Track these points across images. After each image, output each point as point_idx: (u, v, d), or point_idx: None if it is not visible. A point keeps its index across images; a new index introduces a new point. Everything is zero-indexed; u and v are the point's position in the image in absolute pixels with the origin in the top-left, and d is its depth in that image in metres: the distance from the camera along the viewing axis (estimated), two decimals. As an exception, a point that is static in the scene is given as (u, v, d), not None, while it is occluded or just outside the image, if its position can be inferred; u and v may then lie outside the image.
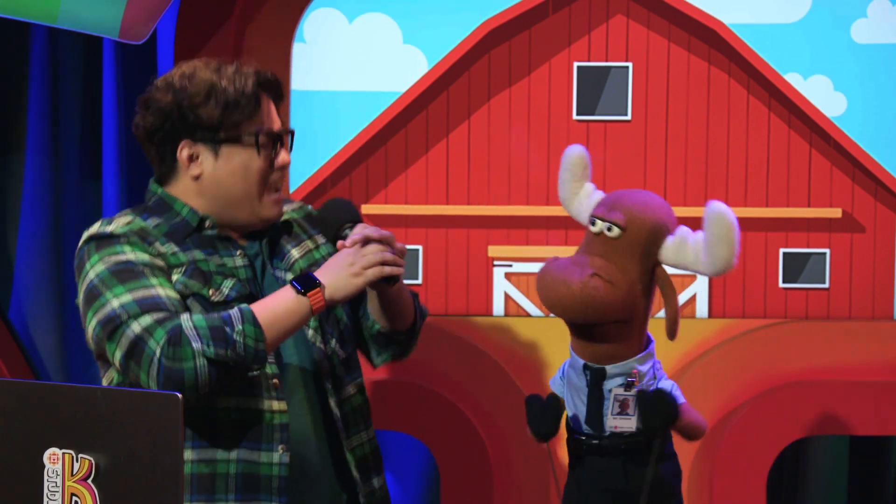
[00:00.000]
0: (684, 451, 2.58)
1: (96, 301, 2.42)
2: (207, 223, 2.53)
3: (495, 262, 3.42)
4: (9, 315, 3.65)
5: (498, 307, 3.42)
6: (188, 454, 2.44)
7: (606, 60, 3.37)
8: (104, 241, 2.47)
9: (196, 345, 2.35)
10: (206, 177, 2.52)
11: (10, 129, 3.73)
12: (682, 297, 3.39)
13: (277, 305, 2.44)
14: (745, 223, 3.37)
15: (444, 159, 3.40)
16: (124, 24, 3.20)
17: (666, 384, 2.47)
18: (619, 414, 2.43)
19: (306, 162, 3.39)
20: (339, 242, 2.50)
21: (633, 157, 3.38)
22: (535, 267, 3.38)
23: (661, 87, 3.37)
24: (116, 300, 2.40)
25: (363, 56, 3.40)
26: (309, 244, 2.67)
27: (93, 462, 1.93)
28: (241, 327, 2.38)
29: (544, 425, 2.50)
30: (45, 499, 1.94)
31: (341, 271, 2.46)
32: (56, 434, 1.95)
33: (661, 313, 3.29)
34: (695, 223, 3.38)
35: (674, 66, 3.37)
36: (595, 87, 3.37)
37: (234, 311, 2.41)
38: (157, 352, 2.33)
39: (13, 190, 3.74)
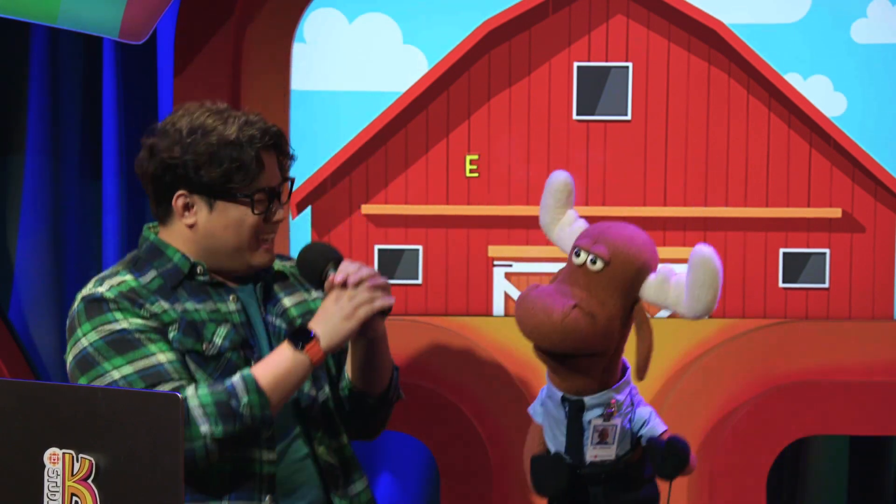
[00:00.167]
0: (684, 451, 2.58)
1: (92, 370, 2.44)
2: (199, 269, 2.56)
3: (495, 262, 3.41)
4: (9, 315, 3.65)
5: (498, 307, 3.41)
6: None
7: (606, 60, 3.37)
8: (94, 305, 2.49)
9: (204, 427, 2.39)
10: (199, 227, 2.55)
11: (10, 129, 3.73)
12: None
13: (278, 366, 2.46)
14: (745, 223, 3.38)
15: (444, 159, 3.40)
16: (124, 24, 3.20)
17: (644, 411, 2.48)
18: (598, 444, 2.43)
19: (306, 162, 3.39)
20: (329, 279, 2.51)
21: (633, 157, 3.38)
22: (535, 267, 3.38)
23: (661, 87, 3.37)
24: (117, 372, 2.42)
25: (363, 56, 3.40)
26: (304, 294, 2.70)
27: (93, 462, 1.93)
28: (246, 399, 2.41)
29: (554, 483, 2.46)
30: (46, 499, 1.94)
31: (333, 317, 2.48)
32: (56, 434, 1.95)
33: (661, 314, 3.29)
34: (695, 224, 3.39)
35: (674, 66, 3.37)
36: (595, 87, 3.37)
37: (237, 381, 2.43)
38: None
39: (13, 190, 3.73)
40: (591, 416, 2.42)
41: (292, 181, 2.64)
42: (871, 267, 3.38)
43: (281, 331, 2.59)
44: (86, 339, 2.46)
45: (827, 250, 3.38)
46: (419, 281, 3.41)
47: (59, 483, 1.94)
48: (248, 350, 2.54)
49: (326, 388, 2.65)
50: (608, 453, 2.43)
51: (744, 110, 3.36)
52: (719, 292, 2.34)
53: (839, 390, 3.36)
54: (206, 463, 2.41)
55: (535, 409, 2.58)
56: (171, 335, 2.48)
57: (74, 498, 1.94)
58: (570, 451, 2.45)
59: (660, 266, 2.42)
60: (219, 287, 2.58)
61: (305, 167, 3.39)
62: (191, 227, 2.55)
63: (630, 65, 3.37)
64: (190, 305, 2.52)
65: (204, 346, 2.50)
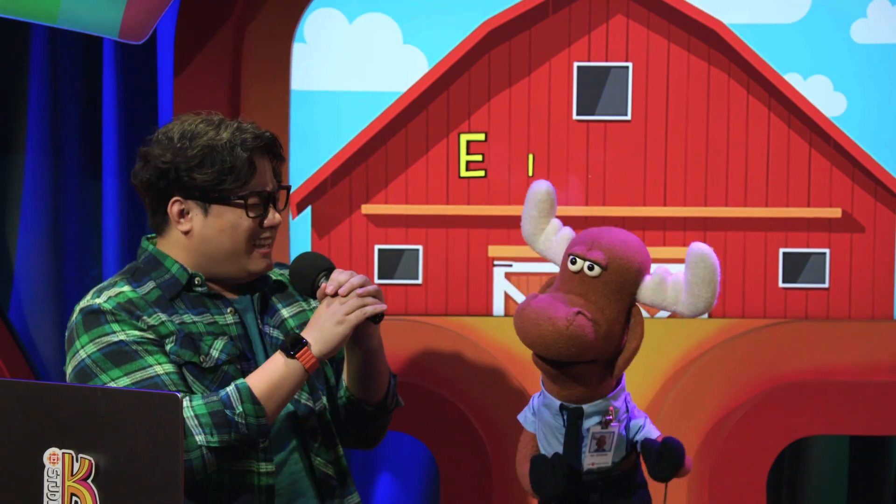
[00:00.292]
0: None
1: (90, 382, 2.44)
2: (197, 281, 2.57)
3: (495, 262, 3.41)
4: (9, 315, 3.65)
5: (498, 307, 3.41)
6: None
7: (606, 60, 3.37)
8: (92, 317, 2.50)
9: (199, 437, 2.40)
10: (195, 233, 2.56)
11: (10, 129, 3.73)
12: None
13: (272, 375, 2.47)
14: (745, 223, 3.38)
15: (444, 159, 3.40)
16: (124, 24, 3.20)
17: (639, 418, 2.48)
18: (596, 451, 2.43)
19: (306, 162, 3.39)
20: (321, 287, 2.52)
21: (632, 157, 3.38)
22: (535, 267, 3.38)
23: (660, 88, 3.37)
24: (114, 384, 2.42)
25: (363, 56, 3.40)
26: (302, 305, 2.71)
27: (93, 462, 1.93)
28: (241, 408, 2.42)
29: (552, 485, 2.45)
30: (45, 499, 1.94)
31: (324, 323, 2.49)
32: (56, 434, 1.95)
33: (660, 314, 3.29)
34: (695, 224, 3.39)
35: (674, 67, 3.37)
36: (595, 87, 3.37)
37: (231, 391, 2.44)
38: None
39: (13, 190, 3.73)
40: (590, 424, 2.42)
41: (288, 189, 2.65)
42: (870, 267, 3.38)
43: (278, 342, 2.60)
44: (84, 350, 2.47)
45: (827, 250, 3.38)
46: (419, 281, 3.41)
47: (59, 483, 1.94)
48: (245, 362, 2.55)
49: (324, 399, 2.65)
50: (605, 460, 2.43)
51: (744, 110, 3.36)
52: (718, 289, 2.34)
53: (839, 390, 3.36)
54: (204, 474, 2.42)
55: (525, 418, 2.57)
56: (168, 347, 2.49)
57: (74, 498, 1.94)
58: (567, 458, 2.45)
59: (655, 267, 2.42)
60: (216, 299, 2.59)
61: (305, 167, 3.40)
62: (187, 233, 2.56)
63: (630, 65, 3.37)
64: (188, 317, 2.53)
65: (201, 359, 2.51)
